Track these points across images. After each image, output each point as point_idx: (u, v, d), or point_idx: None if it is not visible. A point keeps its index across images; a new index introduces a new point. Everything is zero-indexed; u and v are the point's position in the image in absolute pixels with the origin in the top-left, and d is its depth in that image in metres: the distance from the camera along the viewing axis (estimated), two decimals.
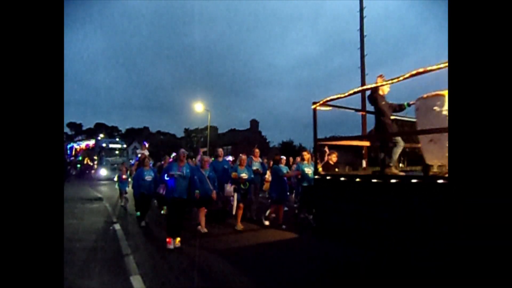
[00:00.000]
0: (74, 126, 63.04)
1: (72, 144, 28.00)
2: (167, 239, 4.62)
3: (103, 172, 20.69)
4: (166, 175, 4.79)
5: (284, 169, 6.54)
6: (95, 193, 11.89)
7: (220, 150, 7.11)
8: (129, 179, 8.87)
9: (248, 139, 34.34)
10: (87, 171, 22.16)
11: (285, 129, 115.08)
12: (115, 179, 9.25)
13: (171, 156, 8.31)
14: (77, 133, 59.59)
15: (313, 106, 4.12)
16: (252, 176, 6.39)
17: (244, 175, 6.15)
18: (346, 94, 3.82)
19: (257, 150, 7.52)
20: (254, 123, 40.35)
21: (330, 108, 4.31)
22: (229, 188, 6.02)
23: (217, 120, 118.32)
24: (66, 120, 64.16)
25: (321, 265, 4.00)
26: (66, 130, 61.74)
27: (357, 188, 3.47)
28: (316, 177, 4.15)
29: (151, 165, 7.33)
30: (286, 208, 6.36)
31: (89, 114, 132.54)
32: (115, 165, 19.21)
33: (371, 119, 4.67)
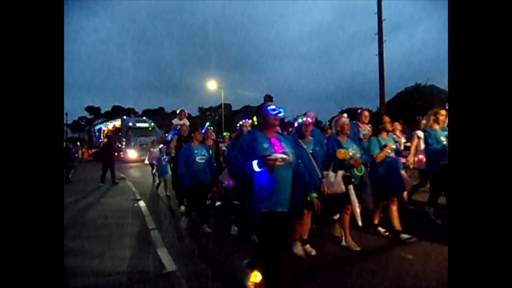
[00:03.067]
0: (92, 109, 64.85)
1: (100, 126, 26.26)
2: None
3: (132, 154, 19.51)
4: (257, 161, 2.09)
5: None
6: (120, 174, 12.46)
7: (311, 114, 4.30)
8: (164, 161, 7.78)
9: None
10: (116, 154, 21.07)
11: (300, 102, 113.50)
12: (146, 161, 7.74)
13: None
14: (96, 117, 61.31)
15: None
16: (363, 152, 3.62)
17: (354, 153, 3.45)
18: None
19: (366, 113, 4.67)
20: (268, 98, 39.89)
21: None
22: (338, 177, 3.23)
23: (231, 98, 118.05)
24: (84, 105, 66.20)
25: None
26: (85, 114, 63.81)
27: None
28: None
29: None
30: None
31: (106, 97, 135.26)
32: (144, 146, 17.76)
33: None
